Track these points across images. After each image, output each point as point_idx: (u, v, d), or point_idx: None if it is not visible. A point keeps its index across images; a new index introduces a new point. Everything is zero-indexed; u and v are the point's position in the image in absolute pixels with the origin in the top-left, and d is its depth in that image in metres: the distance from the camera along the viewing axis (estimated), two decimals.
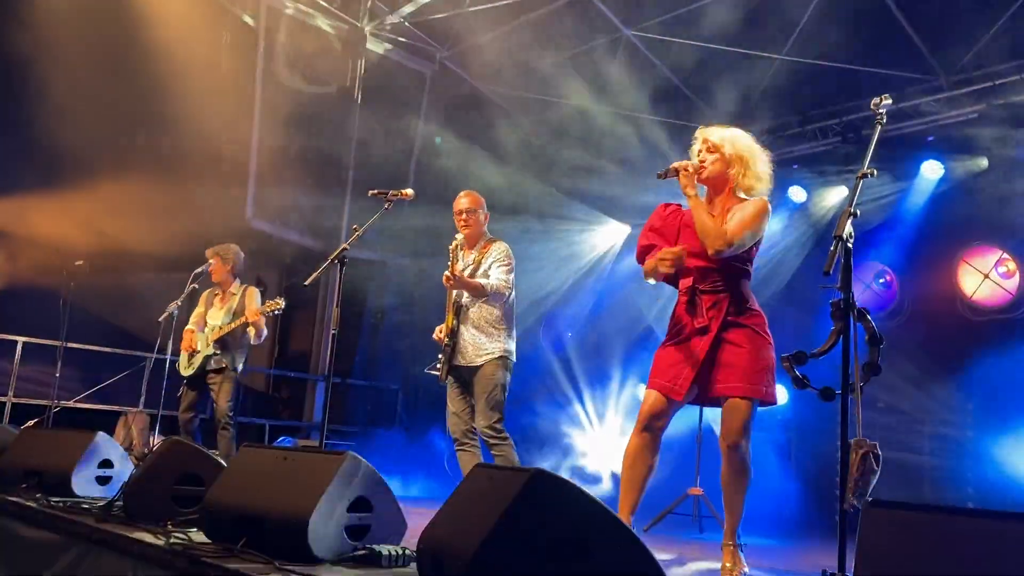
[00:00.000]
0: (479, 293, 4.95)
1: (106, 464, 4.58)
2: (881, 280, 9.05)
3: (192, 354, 6.76)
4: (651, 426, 3.77)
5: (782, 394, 7.05)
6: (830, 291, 2.93)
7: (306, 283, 4.82)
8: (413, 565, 2.80)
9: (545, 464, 8.76)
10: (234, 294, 6.93)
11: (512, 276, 5.06)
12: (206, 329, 6.83)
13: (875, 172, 3.16)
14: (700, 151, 3.93)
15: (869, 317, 2.96)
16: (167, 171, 8.84)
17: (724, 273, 3.79)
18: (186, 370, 6.78)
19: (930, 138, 8.52)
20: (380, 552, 2.92)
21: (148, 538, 3.19)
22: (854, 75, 8.10)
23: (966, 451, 7.72)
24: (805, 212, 9.52)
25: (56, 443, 4.77)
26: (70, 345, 8.12)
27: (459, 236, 5.18)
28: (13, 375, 8.55)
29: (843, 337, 2.88)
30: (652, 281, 4.01)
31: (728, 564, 3.71)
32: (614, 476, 9.59)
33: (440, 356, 5.05)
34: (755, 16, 7.88)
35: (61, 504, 4.00)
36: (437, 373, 5.08)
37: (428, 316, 7.94)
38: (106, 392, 9.20)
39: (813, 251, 9.26)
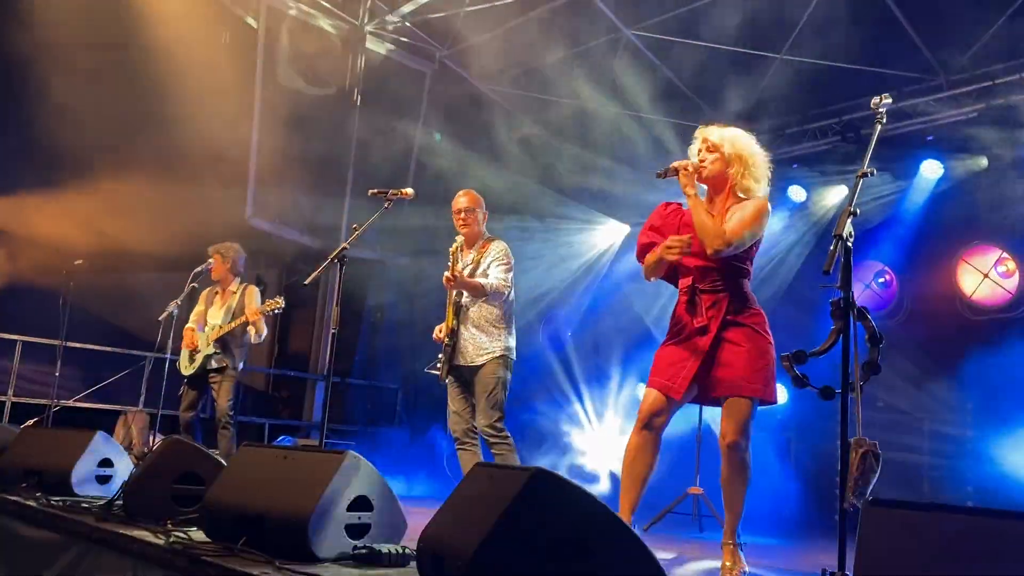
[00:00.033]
0: (479, 293, 4.95)
1: (106, 463, 4.59)
2: (881, 279, 9.06)
3: (193, 353, 6.76)
4: (651, 424, 3.77)
5: (782, 393, 7.05)
6: (830, 290, 2.93)
7: (306, 282, 4.81)
8: (413, 564, 2.80)
9: (543, 463, 8.76)
10: (234, 292, 6.93)
11: (511, 275, 5.06)
12: (206, 328, 6.83)
13: (875, 171, 3.16)
14: (700, 150, 3.93)
15: (869, 316, 2.96)
16: (167, 171, 8.83)
17: (724, 272, 3.79)
18: (187, 369, 6.79)
19: (930, 137, 8.53)
20: (380, 551, 2.92)
21: (148, 537, 3.20)
22: (854, 74, 8.10)
23: (965, 450, 7.72)
24: (805, 211, 9.53)
25: (56, 442, 4.78)
26: (70, 344, 8.12)
27: (459, 239, 5.19)
28: (13, 374, 8.55)
29: (843, 336, 2.88)
30: (653, 279, 4.02)
31: (728, 563, 3.71)
32: (612, 475, 9.60)
33: (440, 356, 5.05)
34: (755, 15, 7.88)
35: (61, 503, 4.01)
36: (437, 372, 5.09)
37: (428, 315, 7.95)
38: (106, 391, 9.21)
39: (813, 250, 9.26)
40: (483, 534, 2.21)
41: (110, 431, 7.44)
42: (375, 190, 4.98)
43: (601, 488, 9.41)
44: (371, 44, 10.43)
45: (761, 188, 3.87)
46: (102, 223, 8.48)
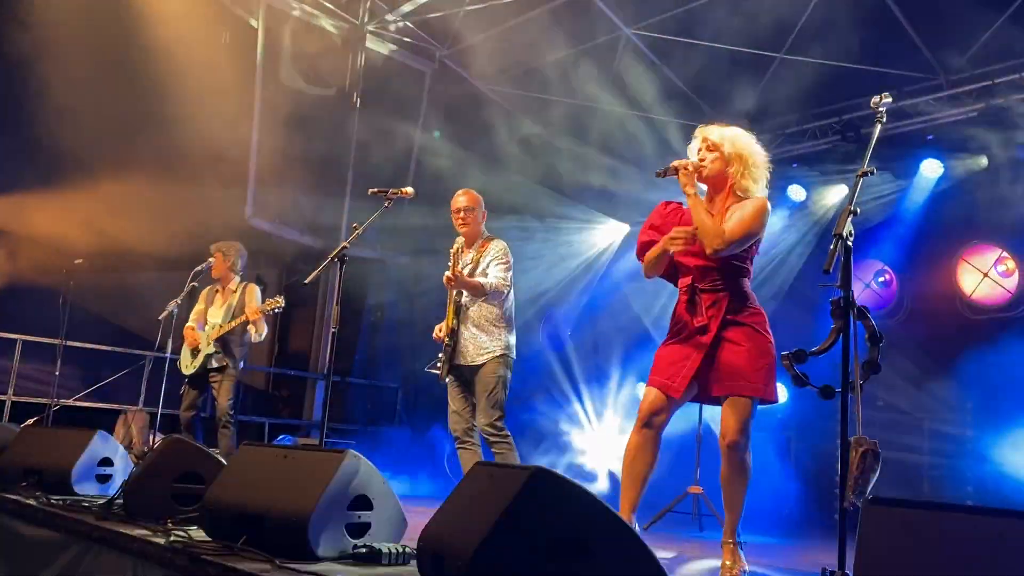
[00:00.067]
0: (478, 292, 4.95)
1: (106, 462, 4.59)
2: (880, 278, 9.06)
3: (194, 352, 6.77)
4: (651, 423, 3.77)
5: (782, 392, 7.06)
6: (830, 289, 2.93)
7: (306, 281, 4.82)
8: (413, 563, 2.80)
9: (542, 462, 8.76)
10: (233, 291, 6.93)
11: (510, 274, 5.07)
12: (206, 327, 6.83)
13: (875, 170, 3.16)
14: (700, 149, 3.93)
15: (869, 315, 2.96)
16: (167, 170, 8.83)
17: (724, 272, 3.79)
18: (187, 369, 6.79)
19: (930, 137, 8.53)
20: (380, 550, 2.93)
21: (148, 536, 3.20)
22: (854, 74, 8.10)
23: (965, 449, 7.73)
24: (805, 211, 9.53)
25: (56, 441, 4.78)
26: (70, 344, 8.12)
27: (460, 240, 5.19)
28: (13, 373, 8.56)
29: (843, 335, 2.88)
30: (653, 276, 4.01)
31: (728, 562, 3.71)
32: (611, 475, 9.61)
33: (440, 355, 5.06)
34: (755, 15, 7.88)
35: (61, 502, 4.01)
36: (437, 372, 5.09)
37: (428, 315, 7.95)
38: (106, 390, 9.22)
39: (813, 250, 9.26)
40: (483, 533, 2.21)
41: (110, 430, 7.42)
42: (375, 189, 4.98)
43: (600, 487, 9.42)
44: (371, 44, 10.43)
45: (760, 188, 3.87)
46: (102, 223, 8.48)
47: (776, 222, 9.19)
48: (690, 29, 8.47)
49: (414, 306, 10.84)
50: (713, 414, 5.84)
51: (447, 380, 5.07)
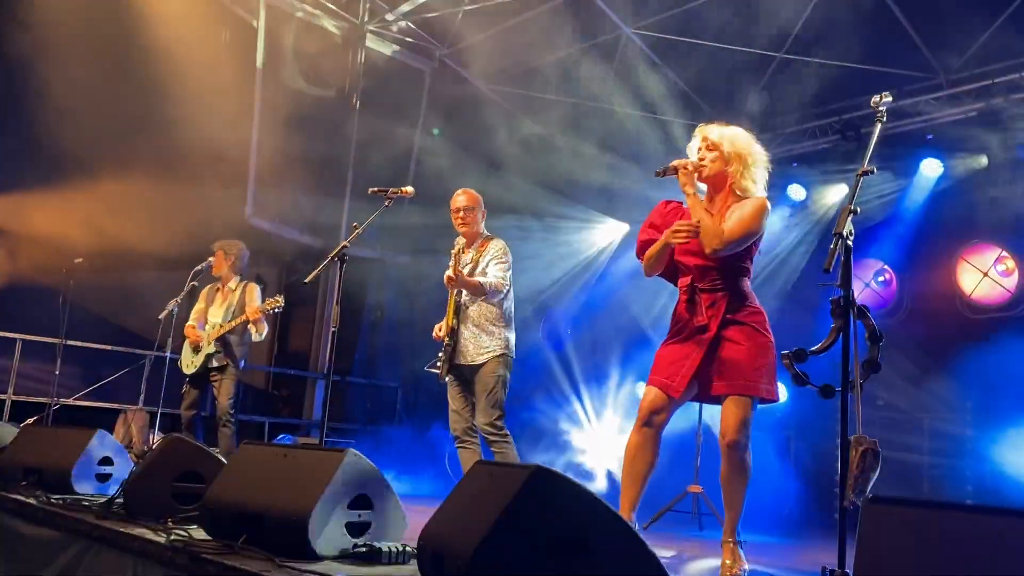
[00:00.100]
0: (478, 291, 4.96)
1: (106, 461, 4.59)
2: (880, 278, 9.06)
3: (196, 350, 6.77)
4: (651, 422, 3.77)
5: (782, 392, 7.06)
6: (830, 288, 2.93)
7: (306, 281, 4.82)
8: (413, 562, 2.80)
9: (541, 460, 8.76)
10: (233, 290, 6.93)
11: (509, 273, 5.07)
12: (207, 327, 6.83)
13: (875, 170, 3.16)
14: (700, 149, 3.93)
15: (869, 314, 2.96)
16: (167, 170, 8.83)
17: (723, 271, 3.79)
18: (189, 368, 6.79)
19: (929, 136, 8.53)
20: (380, 549, 2.92)
21: (148, 535, 3.20)
22: (854, 73, 8.10)
23: (965, 449, 7.73)
24: (805, 210, 9.53)
25: (56, 441, 4.78)
26: (70, 343, 8.12)
27: (461, 240, 5.19)
28: (13, 372, 8.56)
29: (843, 334, 2.88)
30: (653, 275, 4.01)
31: (728, 561, 3.71)
32: (610, 474, 9.62)
33: (440, 354, 5.06)
34: (755, 14, 7.88)
35: (61, 501, 4.01)
36: (437, 371, 5.10)
37: (428, 314, 7.94)
38: (106, 390, 9.22)
39: (813, 249, 9.26)
40: (483, 532, 2.21)
41: (110, 429, 7.41)
42: (375, 188, 4.98)
43: (598, 487, 9.41)
44: (371, 43, 10.43)
45: (760, 188, 3.87)
46: (102, 222, 8.48)
47: (776, 221, 9.19)
48: (690, 28, 8.47)
49: (414, 305, 10.84)
50: (713, 413, 5.83)
51: (447, 379, 5.07)
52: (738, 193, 3.85)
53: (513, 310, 5.16)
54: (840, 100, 8.74)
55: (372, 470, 3.08)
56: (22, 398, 8.61)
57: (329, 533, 2.92)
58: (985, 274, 8.31)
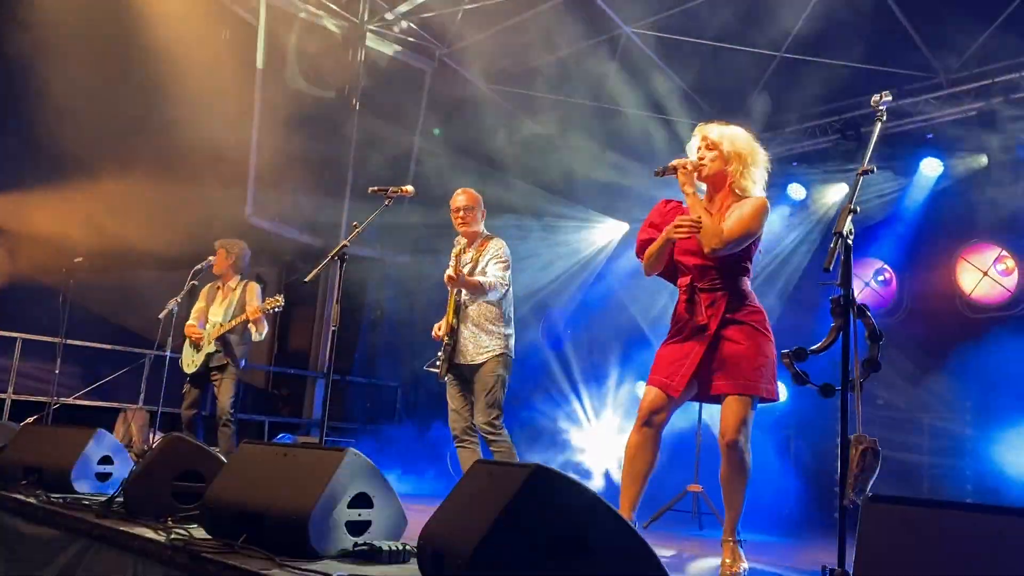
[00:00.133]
0: (477, 291, 4.96)
1: (106, 461, 4.59)
2: (880, 277, 9.06)
3: (196, 349, 6.77)
4: (651, 422, 3.77)
5: (782, 391, 7.06)
6: (830, 287, 2.93)
7: (306, 280, 4.81)
8: (413, 561, 2.80)
9: (540, 460, 8.75)
10: (233, 289, 6.93)
11: (508, 273, 5.07)
12: (207, 326, 6.83)
13: (875, 169, 3.16)
14: (699, 148, 3.92)
15: (869, 313, 2.96)
16: (167, 170, 8.84)
17: (723, 271, 3.79)
18: (189, 367, 6.80)
19: (929, 135, 8.53)
20: (380, 548, 2.93)
21: (148, 534, 3.20)
22: (854, 72, 8.10)
23: (965, 448, 7.73)
24: (805, 209, 9.53)
25: (56, 440, 4.78)
26: (70, 342, 8.13)
27: (462, 240, 5.19)
28: (13, 372, 8.57)
29: (843, 333, 2.88)
30: (653, 274, 4.01)
31: (728, 560, 3.71)
32: (608, 474, 9.62)
33: (439, 354, 5.07)
34: (755, 13, 7.88)
35: (61, 500, 4.01)
36: (436, 370, 5.10)
37: (427, 313, 7.94)
38: (106, 389, 9.22)
39: (813, 248, 9.26)
40: (483, 531, 2.21)
41: (110, 429, 7.44)
42: (375, 188, 4.98)
43: (596, 486, 9.41)
44: (371, 42, 10.43)
45: (759, 187, 3.87)
46: (102, 221, 8.48)
47: (776, 221, 9.19)
48: (690, 28, 8.47)
49: (414, 305, 10.84)
50: (712, 412, 5.84)
51: (446, 379, 5.08)
52: (737, 192, 3.85)
53: (513, 310, 5.16)
54: (840, 99, 8.74)
55: (372, 469, 3.09)
56: (22, 397, 8.62)
57: (329, 532, 2.92)
58: (985, 273, 8.32)
